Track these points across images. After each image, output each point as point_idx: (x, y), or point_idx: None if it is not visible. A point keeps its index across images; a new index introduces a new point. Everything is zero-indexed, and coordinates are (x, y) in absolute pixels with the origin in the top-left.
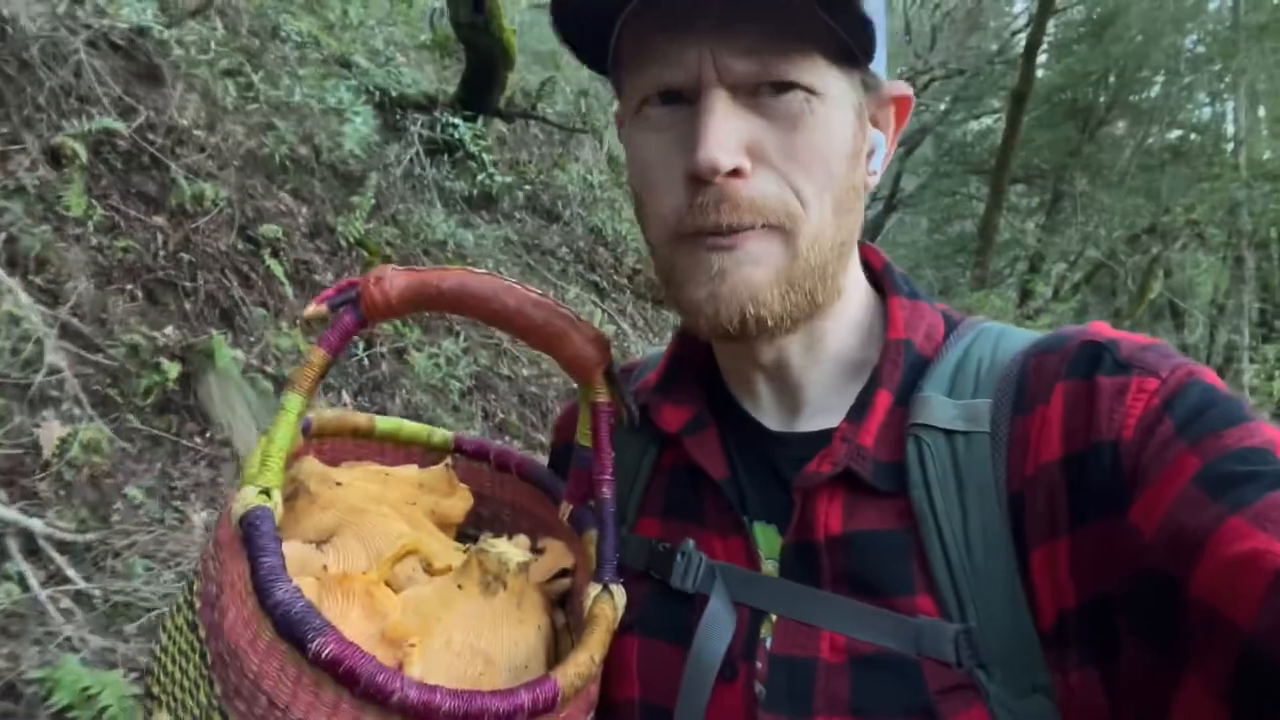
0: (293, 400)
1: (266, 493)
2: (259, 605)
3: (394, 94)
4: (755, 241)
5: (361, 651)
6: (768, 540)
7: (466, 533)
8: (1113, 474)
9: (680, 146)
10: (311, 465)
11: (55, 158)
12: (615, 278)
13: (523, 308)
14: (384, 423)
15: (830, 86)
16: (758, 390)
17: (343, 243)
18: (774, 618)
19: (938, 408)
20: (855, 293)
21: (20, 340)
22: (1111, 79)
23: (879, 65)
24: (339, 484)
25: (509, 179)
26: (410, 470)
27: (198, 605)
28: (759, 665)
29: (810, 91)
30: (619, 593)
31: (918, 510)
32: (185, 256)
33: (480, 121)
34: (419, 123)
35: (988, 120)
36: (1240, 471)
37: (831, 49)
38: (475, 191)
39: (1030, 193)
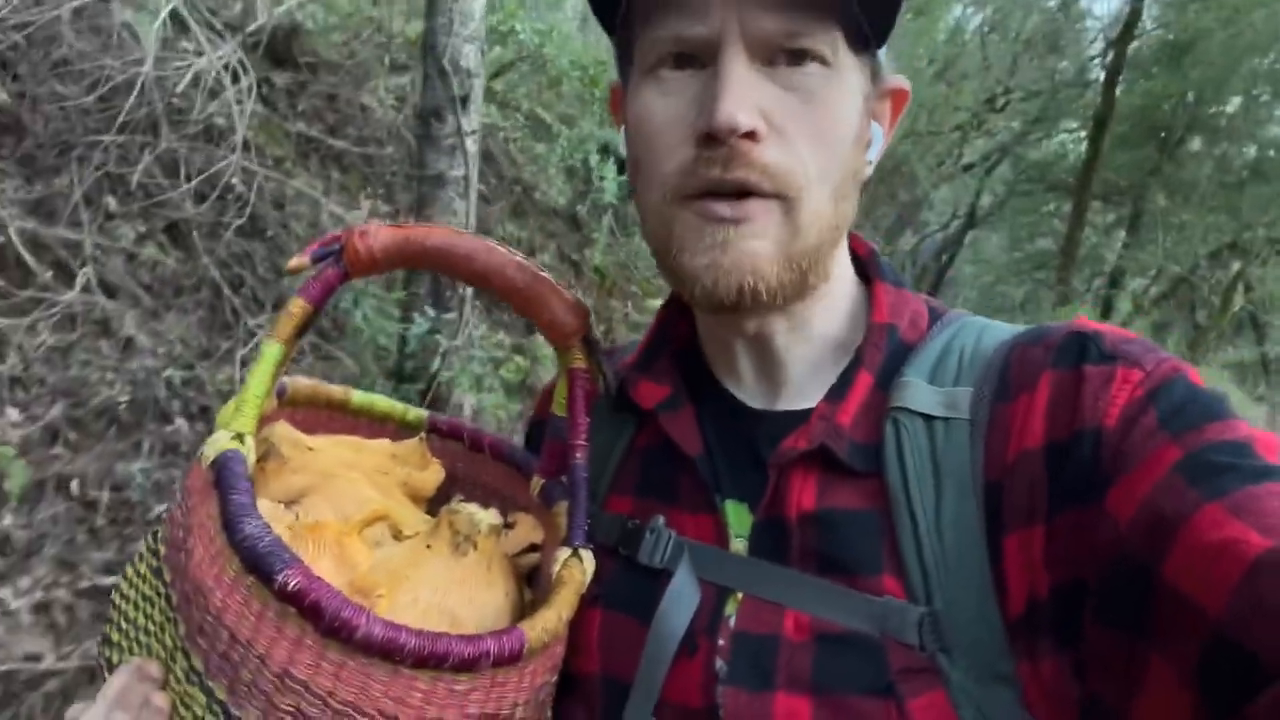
0: (271, 348)
1: (240, 438)
2: (227, 542)
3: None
4: (759, 214)
5: (328, 586)
6: (739, 518)
7: (437, 509)
8: (1093, 462)
9: (694, 107)
10: (284, 429)
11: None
12: None
13: (505, 269)
14: (359, 396)
15: (845, 66)
16: (739, 366)
17: (584, 269)
18: (740, 595)
19: (918, 393)
20: (842, 278)
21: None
22: (1190, 97)
23: (883, 55)
24: (311, 449)
25: None
26: (384, 443)
27: (163, 551)
28: (721, 642)
29: (827, 65)
30: (588, 557)
31: (891, 492)
32: None
33: None
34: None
35: (1065, 139)
36: (1220, 462)
37: (850, 29)
38: None
39: (1108, 209)
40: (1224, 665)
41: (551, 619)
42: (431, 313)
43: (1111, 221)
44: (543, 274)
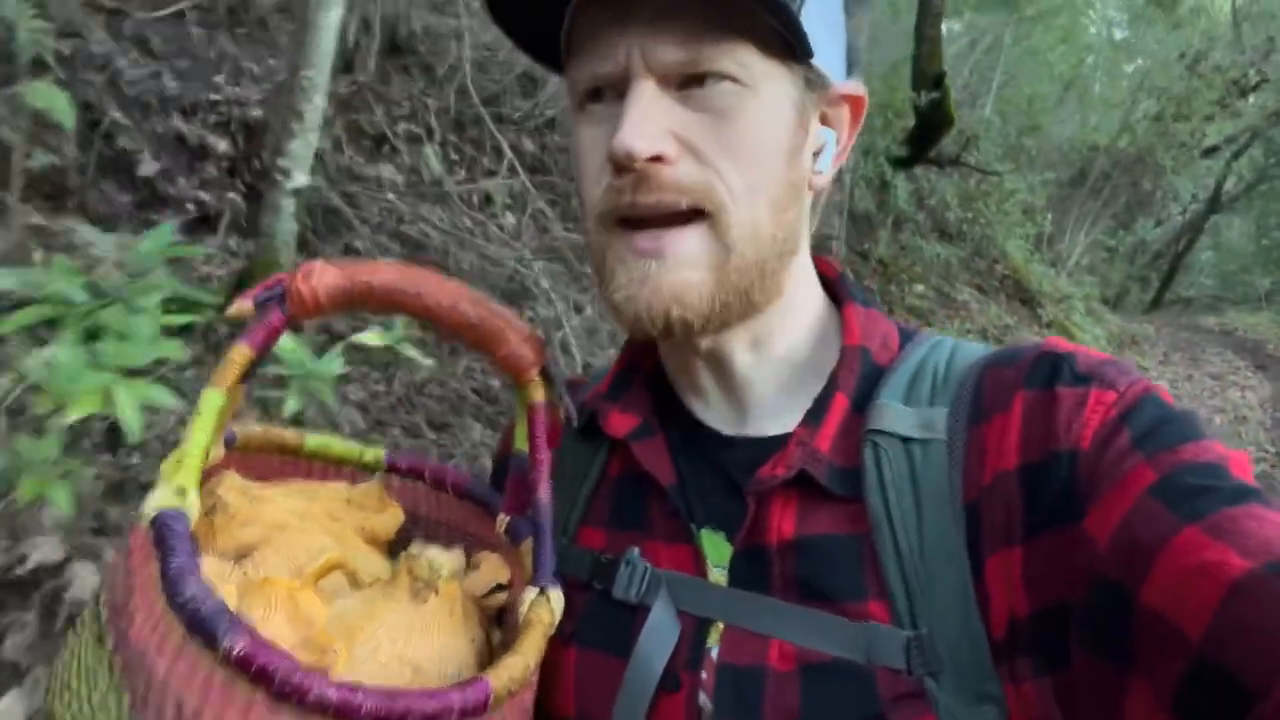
0: (211, 397)
1: (181, 493)
2: (169, 604)
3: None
4: (684, 241)
5: (276, 649)
6: (716, 548)
7: (399, 553)
8: (1069, 484)
9: (607, 136)
10: (232, 480)
11: None
12: (991, 280)
13: (457, 305)
14: (314, 440)
15: (763, 81)
16: (703, 386)
17: (871, 261)
18: (721, 626)
19: (895, 415)
20: (807, 298)
21: None
22: None
23: (829, 63)
24: (260, 499)
25: (969, 214)
26: (339, 486)
27: (105, 615)
28: (704, 676)
29: (739, 83)
30: (556, 596)
31: (873, 516)
32: None
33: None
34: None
35: None
36: (1196, 484)
37: (767, 43)
38: (928, 220)
39: None
40: (1205, 688)
41: (518, 666)
42: None
43: None
44: (497, 307)
